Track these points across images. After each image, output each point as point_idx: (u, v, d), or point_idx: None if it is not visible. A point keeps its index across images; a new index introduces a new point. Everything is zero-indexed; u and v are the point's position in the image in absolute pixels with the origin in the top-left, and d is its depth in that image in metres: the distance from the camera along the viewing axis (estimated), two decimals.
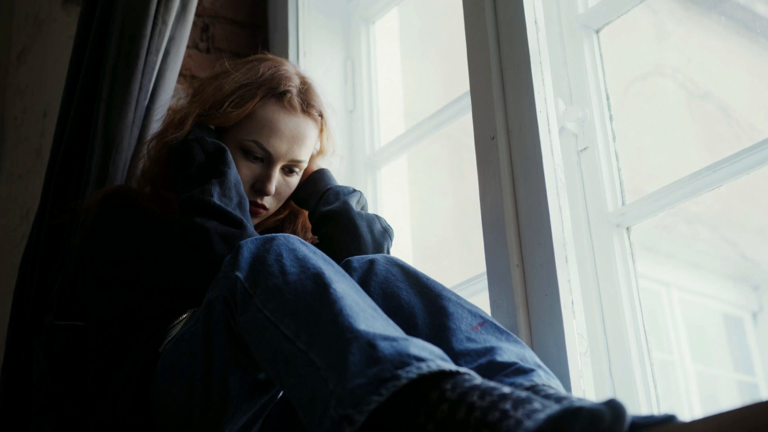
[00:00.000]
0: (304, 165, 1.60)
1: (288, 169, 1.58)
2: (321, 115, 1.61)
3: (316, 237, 1.57)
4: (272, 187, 1.54)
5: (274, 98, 1.56)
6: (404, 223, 2.08)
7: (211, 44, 2.17)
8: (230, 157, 1.49)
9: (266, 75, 1.57)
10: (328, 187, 1.59)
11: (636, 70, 3.91)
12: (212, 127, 1.57)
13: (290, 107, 1.56)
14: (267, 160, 1.55)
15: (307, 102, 1.58)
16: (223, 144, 1.51)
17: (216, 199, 1.41)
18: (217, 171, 1.47)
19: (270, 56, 1.67)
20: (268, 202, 1.56)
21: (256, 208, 1.55)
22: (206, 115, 1.56)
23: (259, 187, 1.54)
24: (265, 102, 1.55)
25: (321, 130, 1.62)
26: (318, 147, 1.65)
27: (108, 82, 1.80)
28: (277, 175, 1.56)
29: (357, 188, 1.62)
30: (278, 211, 1.67)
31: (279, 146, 1.54)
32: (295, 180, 1.60)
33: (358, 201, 1.58)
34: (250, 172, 1.54)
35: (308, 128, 1.58)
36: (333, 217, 1.53)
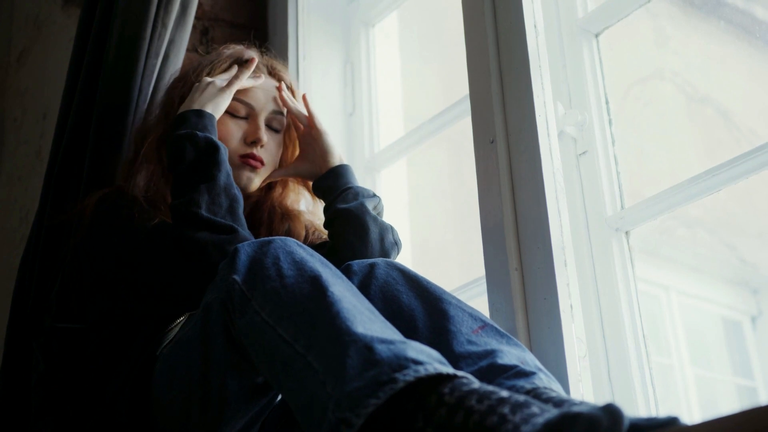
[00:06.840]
0: (284, 120, 1.69)
1: (271, 126, 1.67)
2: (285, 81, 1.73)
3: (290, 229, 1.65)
4: (263, 134, 1.63)
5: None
6: (403, 227, 2.08)
7: (210, 47, 2.16)
8: (222, 155, 1.50)
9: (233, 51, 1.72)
10: (350, 185, 1.61)
11: (635, 74, 3.91)
12: (208, 111, 1.58)
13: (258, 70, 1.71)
14: (251, 115, 1.64)
15: (271, 65, 1.73)
16: (215, 140, 1.51)
17: (204, 211, 1.41)
18: (208, 174, 1.47)
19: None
20: (263, 154, 1.63)
21: (254, 161, 1.62)
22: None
23: (251, 139, 1.62)
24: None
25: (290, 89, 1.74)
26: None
27: (107, 84, 1.80)
28: (263, 126, 1.64)
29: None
30: (268, 187, 1.72)
31: (258, 96, 1.64)
32: (279, 139, 1.68)
33: (375, 207, 1.59)
34: (239, 129, 1.63)
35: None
36: (347, 216, 1.53)
